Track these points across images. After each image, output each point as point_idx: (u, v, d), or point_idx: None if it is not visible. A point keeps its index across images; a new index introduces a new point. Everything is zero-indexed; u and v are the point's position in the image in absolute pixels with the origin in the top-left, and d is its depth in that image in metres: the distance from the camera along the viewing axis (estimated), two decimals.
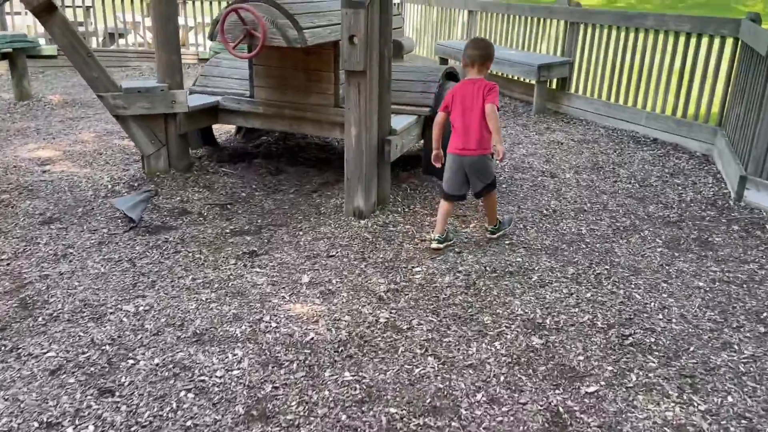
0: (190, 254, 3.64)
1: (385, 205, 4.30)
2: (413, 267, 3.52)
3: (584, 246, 3.87)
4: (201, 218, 4.16)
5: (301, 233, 3.95)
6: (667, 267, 3.61)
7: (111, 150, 5.51)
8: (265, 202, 4.49)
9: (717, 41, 5.66)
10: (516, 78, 7.85)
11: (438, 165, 3.76)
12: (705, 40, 5.78)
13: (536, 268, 3.53)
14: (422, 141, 4.82)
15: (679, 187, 4.92)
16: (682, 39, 5.96)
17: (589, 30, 7.01)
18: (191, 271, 3.45)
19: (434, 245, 3.71)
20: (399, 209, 4.31)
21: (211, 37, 4.25)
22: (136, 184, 4.63)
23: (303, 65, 4.62)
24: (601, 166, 5.40)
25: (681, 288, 3.37)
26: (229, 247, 3.75)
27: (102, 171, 4.94)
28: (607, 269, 3.56)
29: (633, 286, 3.37)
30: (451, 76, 5.06)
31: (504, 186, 4.90)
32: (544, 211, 4.38)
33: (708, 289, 3.37)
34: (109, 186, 4.61)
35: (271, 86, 4.78)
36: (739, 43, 5.43)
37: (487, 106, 3.46)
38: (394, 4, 5.63)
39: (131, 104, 4.42)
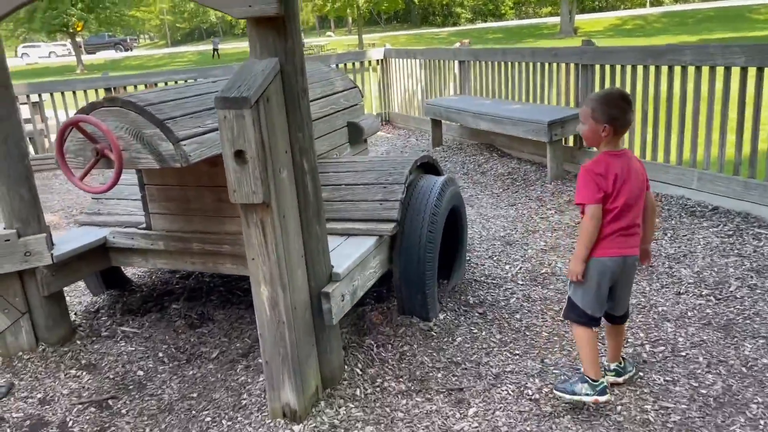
0: None
1: (336, 387, 2.82)
2: None
3: None
4: None
5: None
6: None
7: None
8: (168, 388, 3.04)
9: None
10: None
11: (580, 279, 2.50)
12: None
13: None
14: (391, 268, 3.35)
15: None
16: (736, 76, 4.47)
17: (608, 72, 5.57)
18: None
19: (611, 378, 2.71)
20: (359, 392, 2.81)
21: (57, 164, 2.89)
22: None
23: (209, 180, 3.24)
24: (651, 264, 3.86)
25: None
26: None
27: None
28: None
29: None
30: (427, 168, 3.64)
31: (517, 313, 3.40)
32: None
33: None
34: None
35: (172, 211, 3.40)
36: None
37: (650, 194, 2.62)
38: (334, 70, 4.26)
39: None
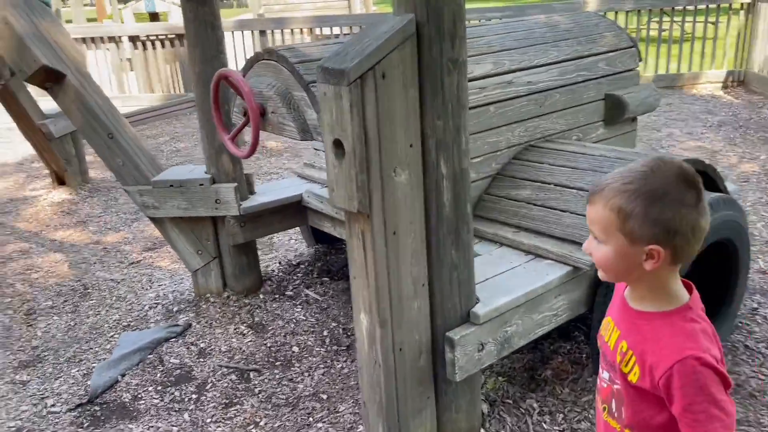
0: None
1: None
2: None
3: None
4: (185, 401, 2.66)
5: None
6: None
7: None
8: (309, 377, 2.75)
9: None
10: None
11: None
12: None
13: None
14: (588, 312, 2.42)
15: None
16: None
17: None
18: None
19: None
20: None
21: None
22: (174, 308, 3.36)
23: None
24: None
25: None
26: None
27: (154, 282, 3.79)
28: None
29: None
30: (707, 180, 2.51)
31: None
32: None
33: None
34: (146, 307, 3.44)
35: None
36: None
37: None
38: (606, 22, 3.19)
39: (163, 203, 3.15)
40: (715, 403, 1.14)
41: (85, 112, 3.09)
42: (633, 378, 1.24)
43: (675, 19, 8.35)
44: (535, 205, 2.49)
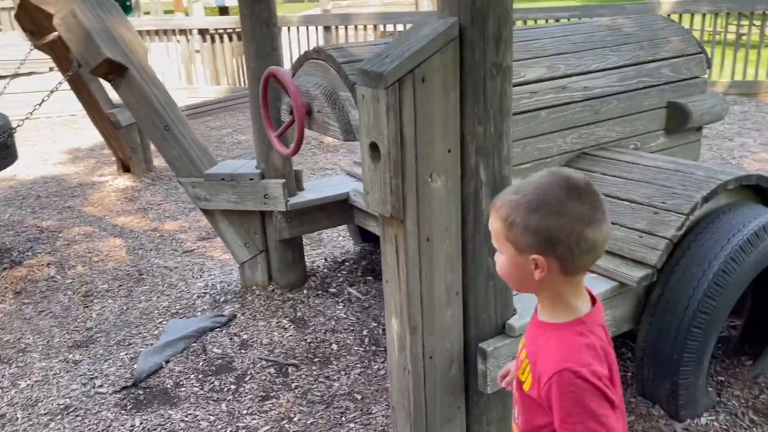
0: None
1: None
2: None
3: None
4: (224, 391, 2.72)
5: None
6: None
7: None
8: (344, 376, 2.76)
9: None
10: None
11: None
12: None
13: None
14: (633, 329, 2.32)
15: None
16: None
17: None
18: None
19: None
20: None
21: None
22: (221, 299, 3.43)
23: None
24: None
25: None
26: None
27: (204, 271, 3.87)
28: None
29: None
30: (759, 193, 2.38)
31: None
32: None
33: None
34: (195, 296, 3.53)
35: None
36: None
37: None
38: (673, 26, 3.04)
39: (214, 195, 3.22)
40: (594, 417, 1.12)
41: (144, 104, 3.19)
42: (527, 386, 1.25)
43: (754, 23, 7.93)
44: None
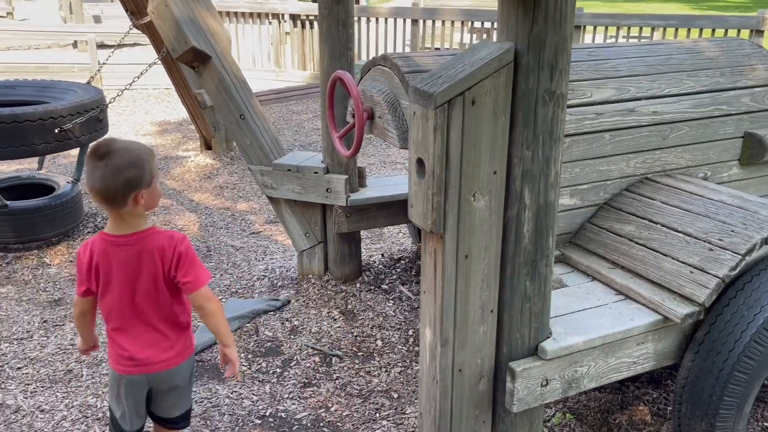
0: None
1: None
2: None
3: None
4: (270, 374, 2.86)
5: None
6: None
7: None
8: (384, 373, 2.84)
9: None
10: None
11: None
12: None
13: None
14: (676, 363, 2.26)
15: None
16: None
17: None
18: None
19: None
20: None
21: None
22: (278, 283, 3.58)
23: None
24: None
25: None
26: None
27: (267, 254, 4.01)
28: None
29: None
30: None
31: None
32: None
33: None
34: (255, 277, 3.69)
35: None
36: None
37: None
38: (761, 52, 2.90)
39: (280, 184, 3.35)
40: None
41: (222, 92, 3.36)
42: None
43: None
44: (636, 243, 2.37)
